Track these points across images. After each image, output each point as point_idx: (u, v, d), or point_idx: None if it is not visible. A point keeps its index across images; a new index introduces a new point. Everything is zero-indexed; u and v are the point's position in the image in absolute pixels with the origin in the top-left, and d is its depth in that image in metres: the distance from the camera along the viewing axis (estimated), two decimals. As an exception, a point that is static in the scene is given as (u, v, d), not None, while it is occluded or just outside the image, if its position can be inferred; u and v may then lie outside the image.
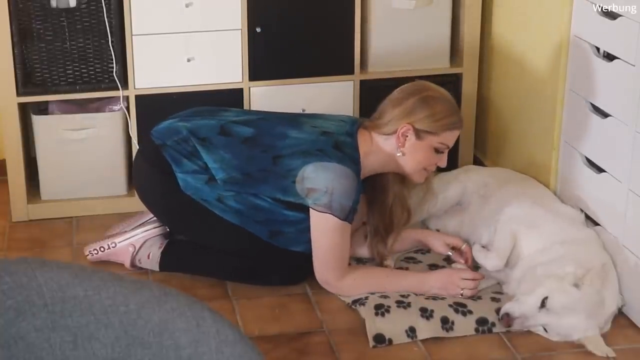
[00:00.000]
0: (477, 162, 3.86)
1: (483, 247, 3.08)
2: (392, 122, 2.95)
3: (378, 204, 3.12)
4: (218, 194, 2.98)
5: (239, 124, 3.03)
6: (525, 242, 2.98)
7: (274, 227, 3.00)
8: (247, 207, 2.98)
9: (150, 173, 3.08)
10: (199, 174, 2.98)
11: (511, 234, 3.01)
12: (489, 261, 3.01)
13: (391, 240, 3.15)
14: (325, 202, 2.87)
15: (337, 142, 2.95)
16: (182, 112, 3.14)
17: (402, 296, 2.93)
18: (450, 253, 3.15)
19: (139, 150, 3.22)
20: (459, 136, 3.04)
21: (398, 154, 2.96)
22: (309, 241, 2.96)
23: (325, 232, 2.91)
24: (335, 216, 2.88)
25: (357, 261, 3.19)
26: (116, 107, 3.50)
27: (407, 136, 2.93)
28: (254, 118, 3.08)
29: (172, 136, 3.03)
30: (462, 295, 2.94)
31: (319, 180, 2.88)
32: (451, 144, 2.99)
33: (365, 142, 2.99)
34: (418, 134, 2.93)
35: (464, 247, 3.13)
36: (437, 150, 2.97)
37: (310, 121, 3.05)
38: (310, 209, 2.91)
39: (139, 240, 3.18)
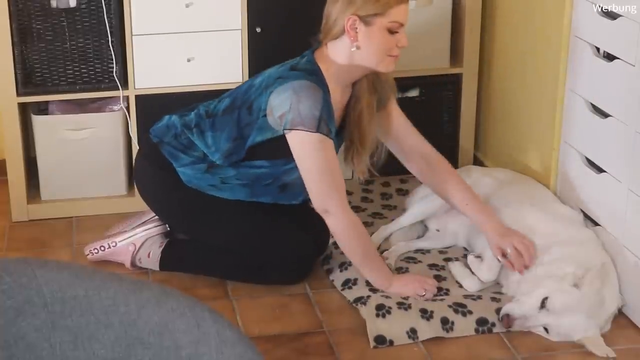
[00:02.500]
0: (477, 162, 3.86)
1: (477, 257, 3.08)
2: (338, 20, 2.87)
3: (354, 115, 3.02)
4: (220, 178, 2.99)
5: (220, 102, 3.05)
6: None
7: (279, 181, 3.00)
8: (251, 179, 2.99)
9: (151, 171, 3.09)
10: (196, 164, 3.00)
11: None
12: (481, 273, 3.02)
13: (368, 155, 3.06)
14: (292, 117, 2.82)
15: (293, 65, 2.93)
16: (179, 110, 3.15)
17: (403, 297, 2.94)
18: (500, 259, 2.96)
19: (139, 151, 3.23)
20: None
21: (353, 49, 2.87)
22: None
23: (306, 153, 2.86)
24: (307, 130, 2.81)
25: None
26: (116, 107, 3.50)
27: (356, 28, 2.85)
28: (230, 91, 3.09)
29: (169, 132, 3.05)
30: (423, 295, 2.94)
31: (282, 102, 2.84)
32: (403, 20, 2.88)
33: (323, 55, 2.94)
34: (365, 20, 2.84)
35: (509, 251, 2.95)
36: (391, 31, 2.87)
37: (276, 65, 3.02)
38: (286, 136, 2.86)
39: (139, 239, 3.18)
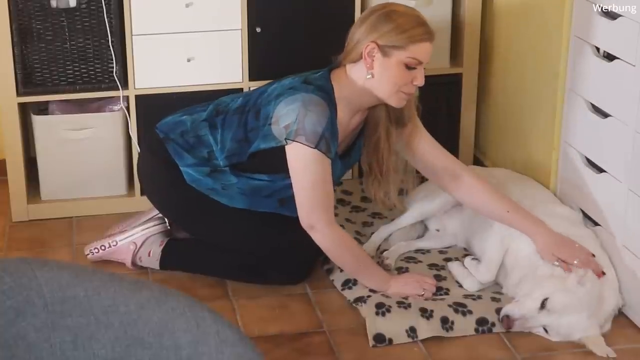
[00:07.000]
0: (477, 162, 3.86)
1: (474, 258, 3.08)
2: (358, 44, 2.85)
3: (370, 142, 3.02)
4: (221, 184, 2.99)
5: (233, 100, 3.05)
6: (523, 245, 2.98)
7: (279, 195, 2.99)
8: (251, 189, 2.99)
9: (155, 166, 3.09)
10: (199, 166, 3.00)
11: (502, 244, 3.00)
12: (479, 275, 3.02)
13: (392, 188, 3.05)
14: (296, 129, 2.81)
15: (307, 78, 2.91)
16: (187, 108, 3.15)
17: (403, 297, 2.94)
18: (556, 263, 2.87)
19: (143, 143, 3.22)
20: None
21: (367, 77, 2.84)
22: None
23: (301, 166, 2.85)
24: (307, 144, 2.80)
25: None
26: (116, 107, 3.50)
27: (373, 56, 2.82)
28: (246, 92, 3.08)
29: (176, 129, 3.05)
30: (422, 294, 2.95)
31: (289, 113, 2.82)
32: (423, 58, 2.82)
33: (339, 76, 2.92)
34: (384, 50, 2.81)
35: (576, 262, 2.85)
36: (409, 67, 2.83)
37: (292, 75, 3.00)
38: (286, 147, 2.85)
39: (140, 237, 3.19)
